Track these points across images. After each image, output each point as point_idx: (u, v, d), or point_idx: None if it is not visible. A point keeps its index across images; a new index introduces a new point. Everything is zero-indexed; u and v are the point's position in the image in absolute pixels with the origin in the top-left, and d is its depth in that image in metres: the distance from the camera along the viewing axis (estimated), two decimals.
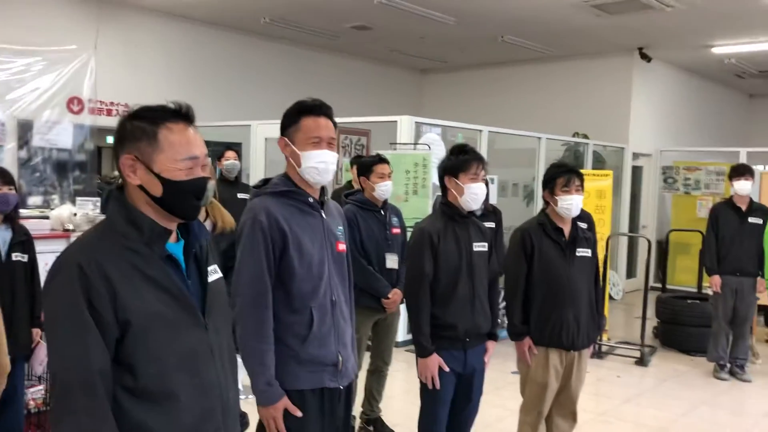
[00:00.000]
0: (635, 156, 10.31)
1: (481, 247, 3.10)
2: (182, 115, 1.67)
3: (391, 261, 4.20)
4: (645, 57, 9.87)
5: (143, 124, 1.62)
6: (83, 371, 1.49)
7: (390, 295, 4.10)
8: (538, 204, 8.27)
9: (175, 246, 1.68)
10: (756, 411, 5.06)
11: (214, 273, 1.75)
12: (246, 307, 2.22)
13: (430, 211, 6.39)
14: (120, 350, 1.54)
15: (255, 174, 7.85)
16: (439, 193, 6.78)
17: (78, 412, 1.48)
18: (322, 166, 2.31)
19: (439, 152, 6.86)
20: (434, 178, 6.60)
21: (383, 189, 4.19)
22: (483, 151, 7.18)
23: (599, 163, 9.69)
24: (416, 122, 6.84)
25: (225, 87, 9.10)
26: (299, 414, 2.25)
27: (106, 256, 1.55)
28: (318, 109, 2.32)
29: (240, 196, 6.30)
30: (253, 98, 9.23)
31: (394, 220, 4.32)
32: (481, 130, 7.47)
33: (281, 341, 2.28)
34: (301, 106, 2.33)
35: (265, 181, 2.44)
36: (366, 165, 4.25)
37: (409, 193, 6.35)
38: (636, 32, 8.86)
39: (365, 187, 4.25)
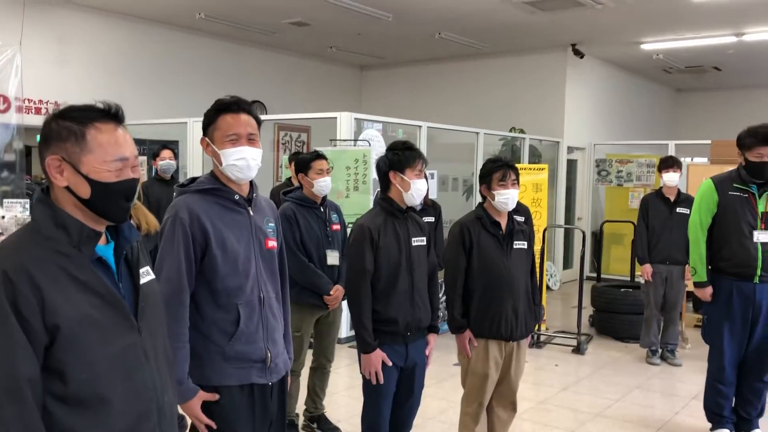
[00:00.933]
0: (570, 150, 10.59)
1: (419, 241, 3.14)
2: (111, 115, 1.63)
3: (332, 257, 4.20)
4: (578, 53, 10.13)
5: (70, 124, 1.58)
6: (11, 380, 1.44)
7: (332, 292, 4.09)
8: (478, 198, 8.39)
9: (104, 248, 1.65)
10: (686, 393, 5.27)
11: (146, 275, 1.73)
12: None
13: (371, 206, 6.41)
14: (49, 356, 1.50)
15: (192, 173, 7.72)
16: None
17: (7, 422, 1.44)
18: (242, 163, 2.30)
19: (379, 148, 6.89)
20: (374, 173, 6.63)
21: (322, 185, 4.17)
22: (423, 146, 7.25)
23: (535, 157, 9.91)
24: (356, 118, 6.84)
25: (160, 84, 8.90)
26: (216, 397, 2.25)
27: (32, 260, 1.51)
28: (235, 105, 2.31)
29: None
30: (189, 95, 9.06)
31: (334, 216, 4.31)
32: (420, 126, 7.53)
33: (207, 338, 2.28)
34: (218, 105, 2.32)
35: (193, 180, 2.42)
36: (304, 161, 4.23)
37: (350, 189, 6.35)
38: (569, 29, 9.08)
39: (304, 184, 4.22)
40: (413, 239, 3.11)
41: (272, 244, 2.44)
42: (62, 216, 1.58)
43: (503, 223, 3.48)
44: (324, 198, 4.26)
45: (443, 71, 11.22)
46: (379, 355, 3.00)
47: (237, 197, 2.35)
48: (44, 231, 1.57)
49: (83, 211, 1.60)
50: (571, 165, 10.84)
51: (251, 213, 2.38)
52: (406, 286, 3.06)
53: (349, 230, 4.64)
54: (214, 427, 2.25)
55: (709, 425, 4.31)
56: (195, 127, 7.81)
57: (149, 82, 8.75)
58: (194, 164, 7.81)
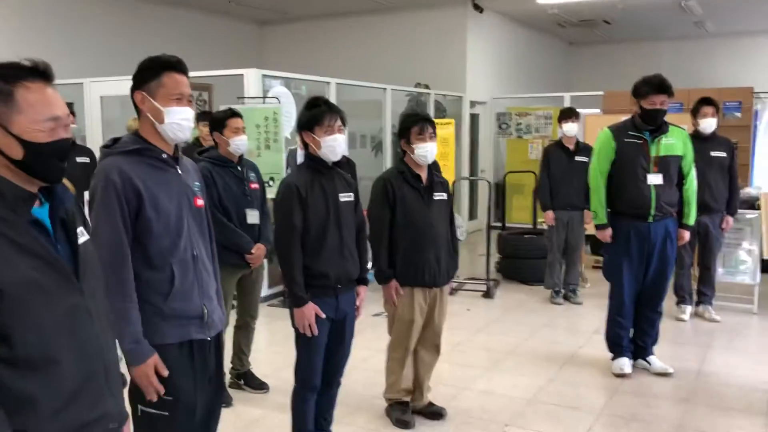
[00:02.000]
0: (472, 104, 10.86)
1: (347, 197, 3.20)
2: (39, 72, 1.59)
3: (252, 216, 4.19)
4: (477, 8, 10.33)
5: None
6: None
7: (253, 250, 4.11)
8: (387, 154, 8.52)
9: (39, 210, 1.62)
10: (587, 329, 5.68)
11: (82, 235, 1.71)
12: (106, 268, 2.15)
13: (284, 165, 6.39)
14: None
15: (91, 135, 7.38)
16: (292, 147, 6.79)
17: None
18: (185, 123, 2.32)
19: (288, 106, 6.84)
20: (286, 132, 6.59)
21: (238, 143, 4.14)
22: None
23: (440, 112, 10.11)
24: (263, 75, 6.73)
25: (52, 43, 8.35)
26: (165, 373, 2.26)
27: None
28: (179, 65, 2.31)
29: (79, 159, 5.94)
30: (83, 54, 8.60)
31: (252, 175, 4.29)
32: (329, 83, 7.51)
33: (144, 299, 2.28)
34: (162, 62, 2.29)
35: (115, 140, 2.38)
36: (218, 120, 4.17)
37: (261, 148, 6.29)
38: None
39: (219, 143, 4.17)
40: (340, 195, 3.16)
41: (200, 202, 2.45)
42: None
43: (424, 176, 3.61)
44: (240, 157, 4.23)
45: (346, 27, 11.15)
46: (311, 308, 3.07)
47: (165, 156, 2.33)
48: None
49: (15, 172, 1.56)
50: (474, 119, 11.14)
51: (179, 171, 2.38)
52: (336, 240, 3.12)
53: (268, 190, 4.64)
54: (162, 392, 2.25)
55: (610, 355, 4.69)
56: (92, 88, 7.44)
57: (39, 41, 8.20)
58: (93, 126, 7.46)
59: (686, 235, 4.65)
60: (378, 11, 10.72)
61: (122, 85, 7.25)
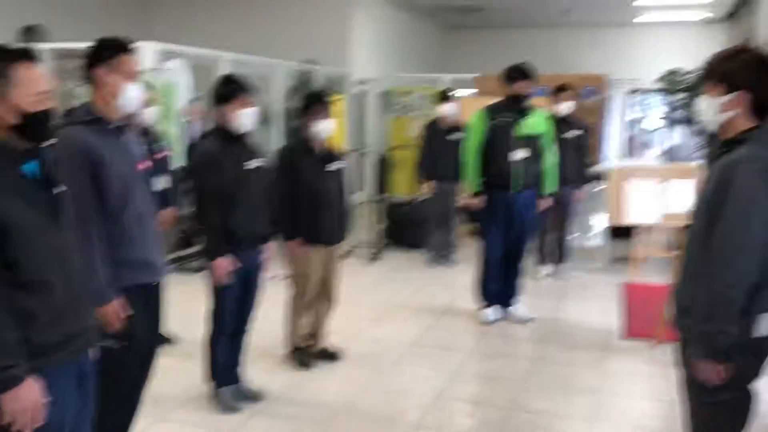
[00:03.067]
0: (358, 83, 11.36)
1: (255, 163, 3.62)
2: (29, 55, 1.98)
3: (161, 182, 4.51)
4: None
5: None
6: None
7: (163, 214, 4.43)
8: (279, 128, 8.85)
9: (30, 165, 2.00)
10: (460, 285, 6.34)
11: (60, 186, 2.09)
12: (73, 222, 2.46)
13: (180, 135, 6.63)
14: (5, 250, 1.87)
15: None
16: (186, 118, 7.02)
17: None
18: (138, 97, 2.70)
19: (182, 79, 7.04)
20: (181, 103, 6.82)
21: (148, 114, 4.44)
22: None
23: (330, 88, 10.53)
24: (160, 49, 6.89)
25: None
26: (127, 313, 2.64)
27: None
28: (132, 47, 2.66)
29: None
30: None
31: (160, 144, 4.61)
32: (220, 56, 7.72)
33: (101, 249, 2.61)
34: (120, 43, 2.64)
35: (68, 112, 2.69)
36: None
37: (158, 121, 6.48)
38: None
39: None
40: (248, 162, 3.58)
41: (143, 166, 2.81)
42: None
43: (320, 148, 4.10)
44: (148, 127, 4.52)
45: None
46: (226, 262, 3.49)
47: (114, 126, 2.67)
48: None
49: (12, 134, 1.94)
50: (359, 98, 11.65)
51: (126, 140, 2.73)
52: (245, 202, 3.53)
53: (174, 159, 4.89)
54: (121, 328, 2.61)
55: (480, 306, 5.41)
56: None
57: None
58: None
59: (544, 203, 5.42)
60: None
61: None
